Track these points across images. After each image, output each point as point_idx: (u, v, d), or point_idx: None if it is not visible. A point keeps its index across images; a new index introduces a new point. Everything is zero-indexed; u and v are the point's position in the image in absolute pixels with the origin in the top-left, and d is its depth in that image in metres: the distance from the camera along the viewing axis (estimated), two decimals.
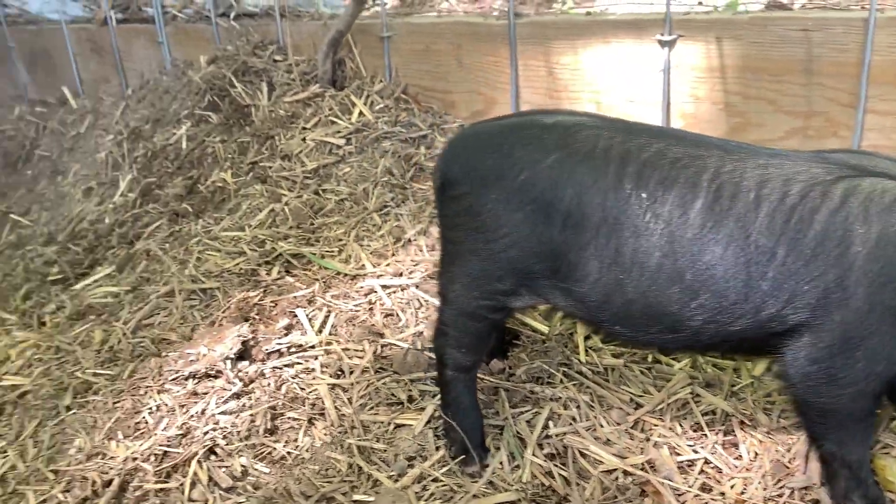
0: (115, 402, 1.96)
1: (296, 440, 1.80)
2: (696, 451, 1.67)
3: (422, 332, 2.10)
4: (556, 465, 1.69)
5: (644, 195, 1.36)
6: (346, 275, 2.33)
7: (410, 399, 1.89)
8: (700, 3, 2.51)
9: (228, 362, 1.96)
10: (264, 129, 3.00)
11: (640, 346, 1.92)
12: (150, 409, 1.90)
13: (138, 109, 3.67)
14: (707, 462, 1.64)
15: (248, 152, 2.96)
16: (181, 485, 1.69)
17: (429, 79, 3.04)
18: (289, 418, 1.85)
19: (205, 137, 3.12)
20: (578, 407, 1.84)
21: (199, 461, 1.72)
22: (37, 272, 3.16)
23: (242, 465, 1.73)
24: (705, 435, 1.71)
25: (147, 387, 1.97)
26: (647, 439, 1.70)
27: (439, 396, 1.75)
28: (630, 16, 2.55)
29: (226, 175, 2.89)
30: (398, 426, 1.83)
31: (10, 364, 2.39)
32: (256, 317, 2.16)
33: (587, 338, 2.07)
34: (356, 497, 1.64)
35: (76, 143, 3.88)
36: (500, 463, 1.70)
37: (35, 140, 4.12)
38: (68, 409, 1.99)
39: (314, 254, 2.41)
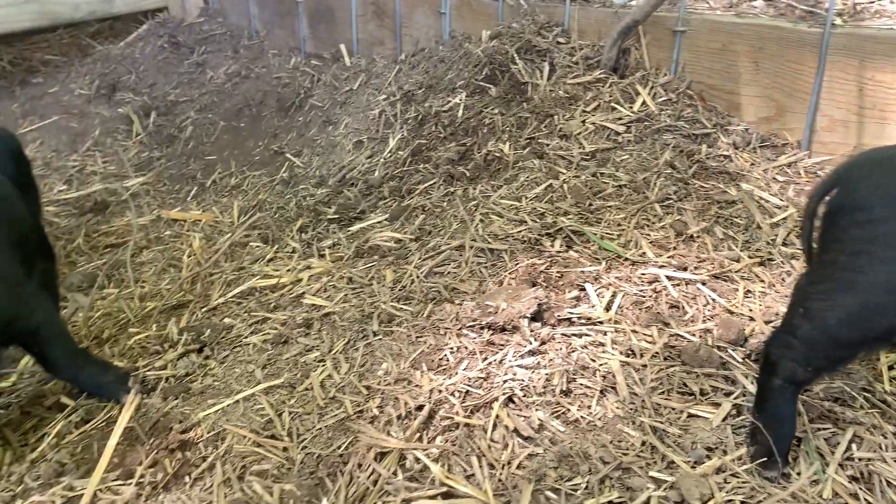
0: (417, 337, 2.12)
1: (589, 407, 1.86)
2: None
3: (709, 330, 2.09)
4: (862, 490, 1.64)
5: None
6: (626, 259, 2.37)
7: (702, 392, 1.90)
8: None
9: (525, 320, 2.06)
10: (544, 107, 3.09)
11: None
12: (451, 349, 2.04)
13: (412, 74, 3.90)
14: None
15: (525, 127, 3.07)
16: (484, 424, 1.81)
17: (717, 78, 2.99)
18: (581, 384, 1.92)
19: (482, 108, 3.27)
20: (885, 436, 1.77)
21: (500, 406, 1.83)
22: (309, 209, 3.46)
23: (539, 420, 1.82)
24: None
25: (446, 328, 2.12)
26: None
27: (755, 398, 1.74)
28: None
29: (503, 146, 3.01)
30: (691, 416, 1.84)
31: (305, 286, 2.65)
32: (543, 283, 2.25)
33: (891, 367, 1.98)
34: (652, 473, 1.68)
35: (348, 98, 4.20)
36: (798, 473, 1.67)
37: (309, 90, 4.49)
38: (374, 334, 2.18)
39: (595, 234, 2.47)
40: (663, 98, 3.01)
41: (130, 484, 1.78)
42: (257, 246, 3.27)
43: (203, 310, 2.73)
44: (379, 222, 3.04)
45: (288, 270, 2.86)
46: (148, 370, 2.24)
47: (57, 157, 4.66)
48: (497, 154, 3.00)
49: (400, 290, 2.41)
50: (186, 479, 1.80)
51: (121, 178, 4.41)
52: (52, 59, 5.91)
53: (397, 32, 4.18)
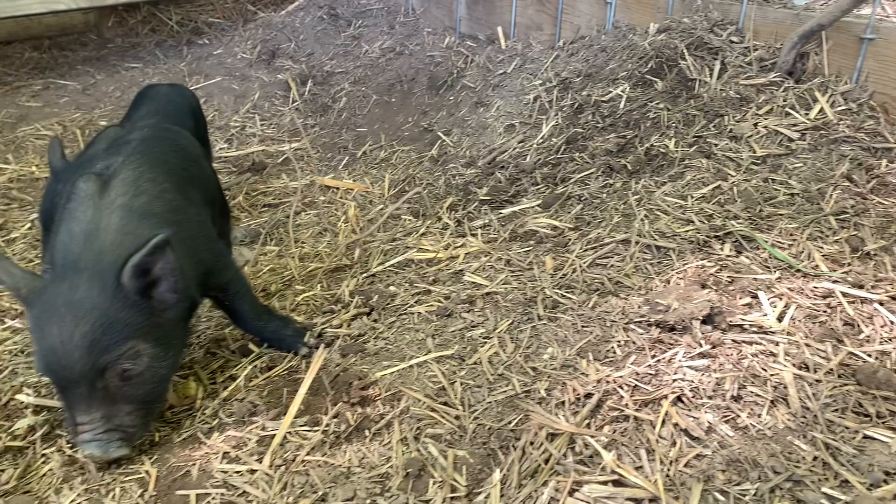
0: (583, 326, 2.18)
1: (759, 415, 1.86)
2: None
3: (888, 353, 2.03)
4: None
5: None
6: (798, 271, 2.32)
7: (879, 415, 1.86)
8: None
9: (696, 322, 2.07)
10: (713, 105, 3.04)
11: None
12: (619, 342, 2.08)
13: (570, 62, 3.91)
14: None
15: (692, 125, 3.03)
16: (653, 419, 1.84)
17: None
18: (751, 392, 1.92)
19: (646, 101, 3.25)
20: None
21: (669, 404, 1.87)
22: (458, 188, 3.56)
23: (709, 422, 1.84)
24: None
25: (612, 321, 2.17)
26: None
27: None
28: None
29: (668, 142, 2.99)
30: (867, 437, 1.81)
31: (463, 263, 2.75)
32: (714, 286, 2.24)
33: None
34: (825, 489, 1.67)
35: (502, 81, 4.26)
36: None
37: (461, 70, 4.58)
38: (539, 318, 2.25)
39: (766, 241, 2.43)
40: (842, 107, 2.89)
41: (317, 431, 1.94)
42: (408, 219, 3.41)
43: (363, 275, 2.89)
44: (532, 207, 3.10)
45: (443, 247, 2.97)
46: (325, 327, 2.41)
47: (219, 117, 4.98)
48: (661, 149, 2.99)
49: (561, 277, 2.47)
50: (366, 432, 1.94)
51: (277, 142, 4.66)
52: (217, 22, 6.29)
53: (558, 18, 4.19)
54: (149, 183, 2.06)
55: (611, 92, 3.45)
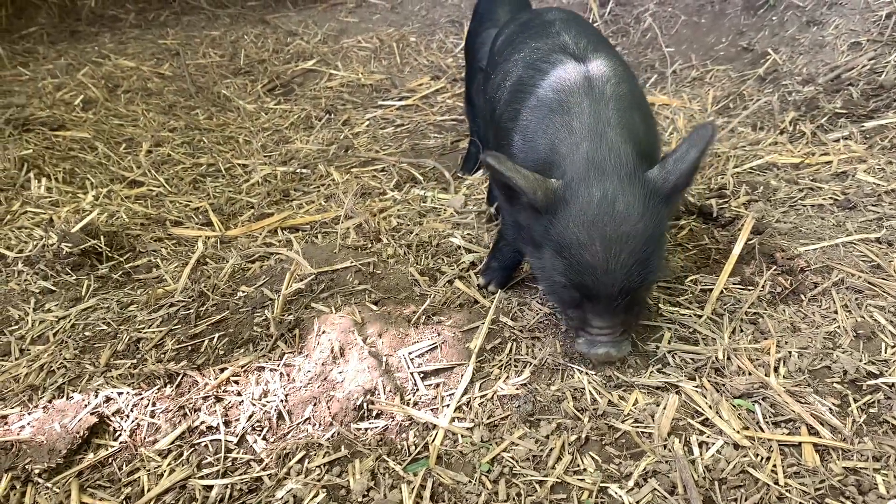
0: None
1: None
2: None
3: None
4: None
5: None
6: None
7: None
8: None
9: None
10: None
11: None
12: None
13: None
14: None
15: None
16: None
17: None
18: None
19: None
20: None
21: None
22: (797, 104, 3.47)
23: None
24: None
25: None
26: None
27: None
28: None
29: None
30: None
31: (841, 167, 2.71)
32: None
33: None
34: None
35: None
36: None
37: None
38: None
39: None
40: None
41: (752, 290, 2.05)
42: (746, 132, 3.39)
43: (727, 175, 2.94)
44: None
45: (806, 154, 2.94)
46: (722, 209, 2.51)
47: None
48: None
49: None
50: (802, 297, 2.02)
51: None
52: None
53: None
54: (620, 65, 1.88)
55: None
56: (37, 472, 1.68)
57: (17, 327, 2.20)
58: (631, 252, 1.60)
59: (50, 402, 1.89)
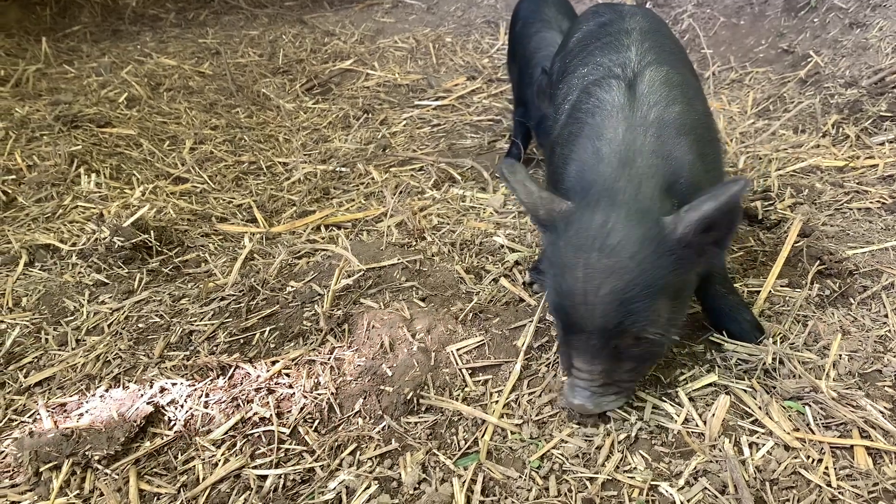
0: None
1: None
2: None
3: None
4: None
5: None
6: None
7: None
8: None
9: None
10: None
11: None
12: None
13: None
14: None
15: None
16: None
17: None
18: None
19: None
20: None
21: None
22: (840, 106, 3.44)
23: None
24: None
25: None
26: None
27: None
28: None
29: None
30: None
31: (888, 170, 2.69)
32: None
33: None
34: None
35: (883, 1, 3.99)
36: None
37: None
38: None
39: None
40: None
41: (799, 290, 2.04)
42: (786, 134, 3.37)
43: (769, 179, 2.92)
44: None
45: (850, 157, 2.92)
46: (768, 212, 2.50)
47: None
48: None
49: None
50: (851, 300, 2.01)
51: None
52: None
53: None
54: (678, 87, 1.72)
55: None
56: (96, 458, 1.74)
57: (72, 318, 2.27)
58: (612, 288, 1.47)
59: (107, 391, 1.94)
